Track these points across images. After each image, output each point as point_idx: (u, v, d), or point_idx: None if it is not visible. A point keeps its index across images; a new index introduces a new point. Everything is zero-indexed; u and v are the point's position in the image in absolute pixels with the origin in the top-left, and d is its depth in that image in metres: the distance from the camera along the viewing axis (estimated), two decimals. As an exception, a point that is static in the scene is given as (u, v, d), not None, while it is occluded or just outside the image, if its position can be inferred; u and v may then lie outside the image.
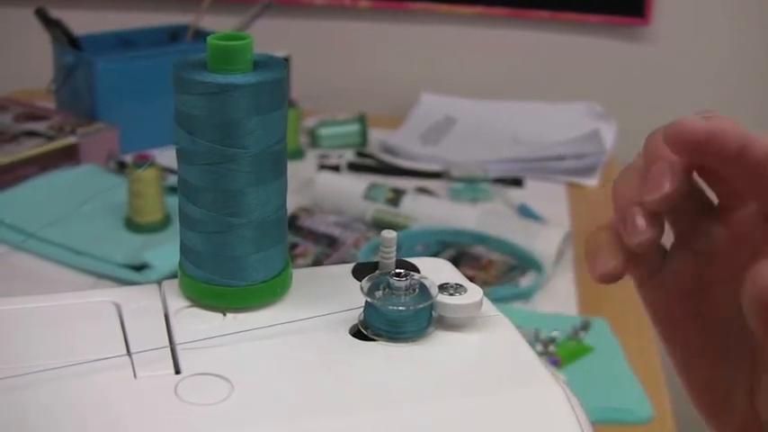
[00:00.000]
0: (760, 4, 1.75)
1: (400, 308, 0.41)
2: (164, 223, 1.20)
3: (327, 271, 0.48)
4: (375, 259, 0.48)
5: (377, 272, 0.44)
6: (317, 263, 1.17)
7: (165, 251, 1.11)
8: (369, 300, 0.42)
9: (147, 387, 0.37)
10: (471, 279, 1.21)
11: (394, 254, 0.46)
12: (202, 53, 0.42)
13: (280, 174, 0.43)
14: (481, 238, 1.23)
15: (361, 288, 0.42)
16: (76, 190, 1.26)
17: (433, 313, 0.43)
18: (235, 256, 0.42)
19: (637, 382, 0.96)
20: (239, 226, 0.42)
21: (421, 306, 0.42)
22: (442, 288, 0.43)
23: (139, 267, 1.10)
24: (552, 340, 1.02)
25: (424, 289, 0.42)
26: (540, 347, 1.00)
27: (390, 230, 0.46)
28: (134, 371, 0.38)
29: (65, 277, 1.12)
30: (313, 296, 0.45)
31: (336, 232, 1.25)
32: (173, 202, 1.22)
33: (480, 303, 0.43)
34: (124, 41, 1.58)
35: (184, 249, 0.44)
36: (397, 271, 0.42)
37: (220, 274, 0.43)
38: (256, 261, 0.43)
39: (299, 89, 1.59)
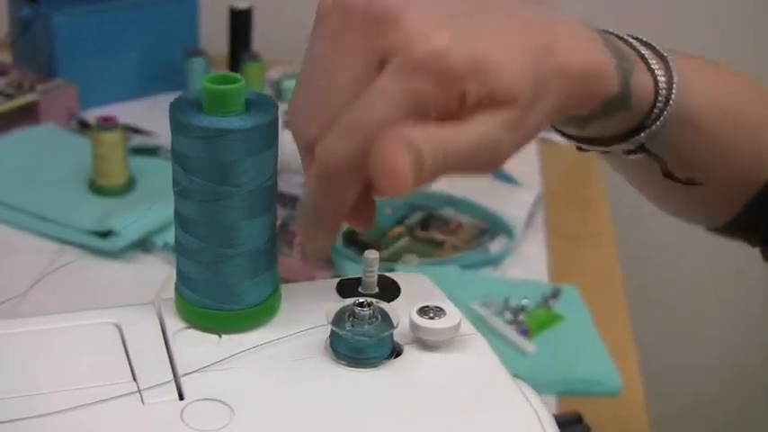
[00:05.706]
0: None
1: (362, 337, 0.47)
2: (128, 186, 1.25)
3: (312, 287, 0.54)
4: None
5: (347, 302, 0.49)
6: (284, 227, 1.22)
7: (131, 217, 1.15)
8: (333, 328, 0.48)
9: (156, 414, 0.43)
10: (441, 243, 1.24)
11: (376, 273, 0.52)
12: (196, 93, 0.47)
13: (271, 206, 0.48)
14: (450, 201, 1.28)
15: (326, 317, 0.48)
16: (38, 151, 1.30)
17: (411, 334, 0.49)
18: (228, 284, 0.48)
19: (606, 353, 1.01)
20: (233, 256, 0.48)
21: (384, 334, 0.48)
22: (423, 311, 0.49)
23: (105, 234, 1.15)
24: (522, 309, 1.07)
25: (386, 317, 0.48)
26: (509, 316, 1.05)
27: (373, 251, 0.52)
28: (141, 397, 0.44)
29: (28, 244, 1.15)
30: (299, 314, 0.51)
31: (303, 193, 1.28)
32: (136, 164, 1.26)
33: (458, 326, 0.49)
34: (82, -6, 1.59)
35: (180, 275, 0.49)
36: (360, 300, 0.48)
37: (215, 299, 0.48)
38: (249, 287, 0.49)
39: (262, 39, 1.62)
